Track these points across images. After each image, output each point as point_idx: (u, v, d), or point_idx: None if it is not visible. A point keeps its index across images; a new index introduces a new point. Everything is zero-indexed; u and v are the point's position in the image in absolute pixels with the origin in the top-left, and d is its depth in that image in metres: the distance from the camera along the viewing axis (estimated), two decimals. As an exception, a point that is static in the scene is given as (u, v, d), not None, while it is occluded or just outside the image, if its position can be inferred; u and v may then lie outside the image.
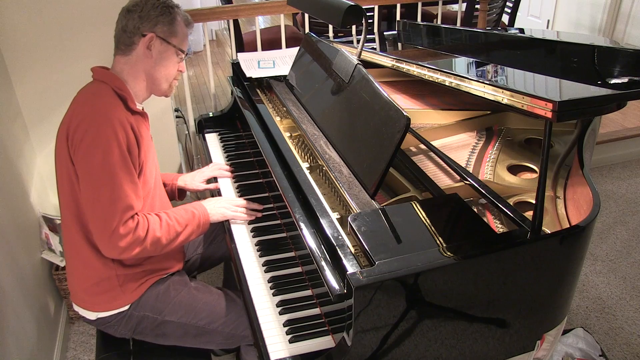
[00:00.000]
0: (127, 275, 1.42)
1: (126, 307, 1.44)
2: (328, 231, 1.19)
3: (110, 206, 1.28)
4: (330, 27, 2.89)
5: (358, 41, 1.90)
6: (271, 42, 3.38)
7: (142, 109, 1.49)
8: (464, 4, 3.39)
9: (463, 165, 1.51)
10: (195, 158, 2.76)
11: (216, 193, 1.77)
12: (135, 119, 1.39)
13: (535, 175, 1.49)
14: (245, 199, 1.62)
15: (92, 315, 1.45)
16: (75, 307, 1.48)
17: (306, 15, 2.89)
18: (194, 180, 1.79)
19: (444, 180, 1.45)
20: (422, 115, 1.76)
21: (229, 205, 1.57)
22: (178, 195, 1.79)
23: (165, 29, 1.41)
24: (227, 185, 1.79)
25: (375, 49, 2.05)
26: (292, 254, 1.47)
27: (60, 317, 2.13)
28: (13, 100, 2.12)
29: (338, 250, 1.13)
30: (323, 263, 1.15)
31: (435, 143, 1.64)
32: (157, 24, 1.40)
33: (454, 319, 1.13)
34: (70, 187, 1.35)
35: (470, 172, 1.46)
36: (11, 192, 1.86)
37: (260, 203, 1.64)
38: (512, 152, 1.59)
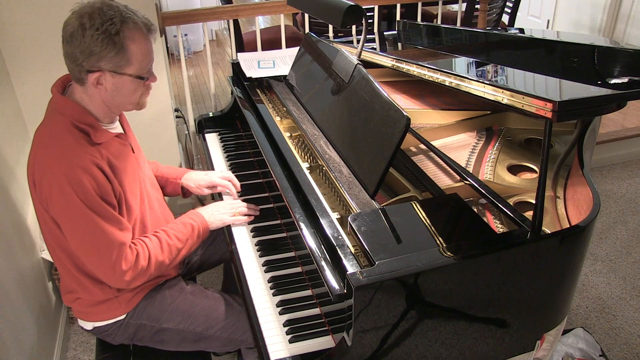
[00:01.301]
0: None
1: (122, 317, 1.43)
2: (328, 231, 1.19)
3: (100, 251, 1.25)
4: (330, 27, 2.89)
5: (358, 41, 1.89)
6: (271, 42, 3.39)
7: (120, 125, 1.39)
8: (464, 4, 3.39)
9: (463, 165, 1.51)
10: (195, 158, 2.76)
11: (217, 194, 1.76)
12: (105, 147, 1.28)
13: (535, 175, 1.49)
14: (242, 200, 1.62)
15: (88, 325, 1.45)
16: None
17: (306, 15, 2.89)
18: (199, 183, 1.72)
19: (444, 180, 1.45)
20: (422, 115, 1.76)
21: (228, 210, 1.55)
22: (183, 194, 1.76)
23: (113, 62, 1.19)
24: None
25: (375, 49, 2.05)
26: (292, 254, 1.47)
27: (60, 317, 2.13)
28: (13, 100, 2.12)
29: (338, 250, 1.13)
30: (323, 263, 1.15)
31: (435, 143, 1.64)
32: (101, 59, 1.18)
33: (454, 319, 1.13)
34: (51, 224, 1.29)
35: (470, 172, 1.46)
36: (11, 192, 1.86)
37: (260, 203, 1.63)
38: (512, 152, 1.59)
